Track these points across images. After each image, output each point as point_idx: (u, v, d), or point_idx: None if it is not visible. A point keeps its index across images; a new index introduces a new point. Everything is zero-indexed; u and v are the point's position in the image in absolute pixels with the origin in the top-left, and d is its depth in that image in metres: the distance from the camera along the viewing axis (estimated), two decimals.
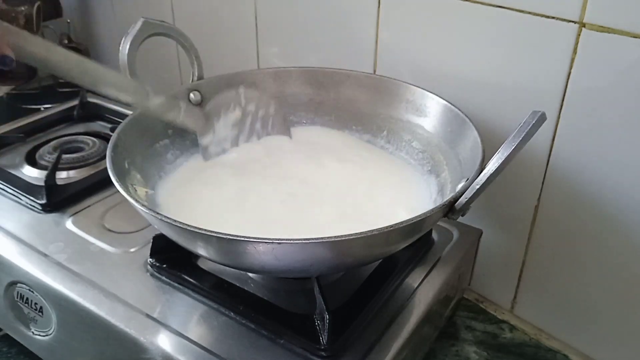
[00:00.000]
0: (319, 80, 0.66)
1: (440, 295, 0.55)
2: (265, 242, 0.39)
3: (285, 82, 0.67)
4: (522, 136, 0.41)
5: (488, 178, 0.42)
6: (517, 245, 0.62)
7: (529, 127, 0.41)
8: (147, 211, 0.43)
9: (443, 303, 0.58)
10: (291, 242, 0.39)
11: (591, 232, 0.56)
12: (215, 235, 0.40)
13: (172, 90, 0.61)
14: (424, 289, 0.54)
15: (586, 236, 0.56)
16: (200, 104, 0.63)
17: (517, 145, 0.41)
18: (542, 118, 0.42)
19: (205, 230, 0.40)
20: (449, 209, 0.45)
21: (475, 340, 0.63)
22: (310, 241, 0.39)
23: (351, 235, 0.39)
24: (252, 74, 0.67)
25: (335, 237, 0.39)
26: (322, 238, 0.39)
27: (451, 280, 0.58)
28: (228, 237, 0.40)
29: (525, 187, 0.59)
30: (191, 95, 0.62)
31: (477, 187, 0.43)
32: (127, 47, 0.57)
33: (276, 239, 0.39)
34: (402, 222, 0.41)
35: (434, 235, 0.61)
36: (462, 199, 0.44)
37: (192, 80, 0.64)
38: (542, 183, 0.58)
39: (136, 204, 0.44)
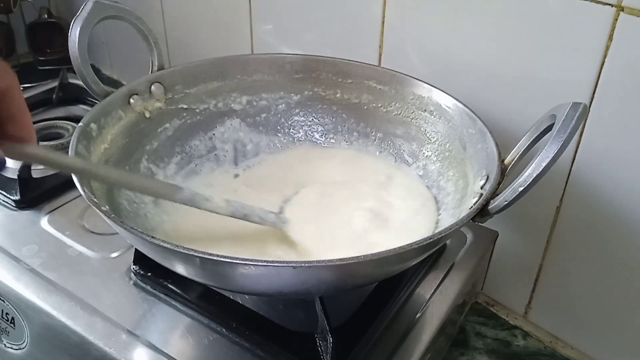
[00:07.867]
0: (320, 77, 0.60)
1: (455, 304, 0.51)
2: (260, 265, 0.34)
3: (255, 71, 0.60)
4: (568, 131, 0.37)
5: (534, 179, 0.38)
6: (535, 247, 0.58)
7: (574, 121, 0.37)
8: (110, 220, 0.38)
9: (458, 311, 0.54)
10: (289, 265, 0.34)
11: (616, 236, 0.52)
12: (200, 256, 0.35)
13: (130, 83, 0.54)
14: (437, 300, 0.50)
15: (610, 240, 0.52)
16: (164, 97, 0.56)
17: (564, 141, 0.37)
18: (584, 111, 0.38)
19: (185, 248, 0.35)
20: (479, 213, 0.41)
21: (487, 349, 0.58)
22: (313, 264, 0.34)
23: (354, 258, 0.34)
24: (220, 63, 0.59)
25: (338, 260, 0.34)
26: (323, 261, 0.34)
27: (466, 288, 0.53)
28: (215, 258, 0.34)
29: (547, 186, 0.54)
30: (152, 87, 0.55)
31: (521, 189, 0.39)
32: (77, 32, 0.50)
33: (275, 261, 0.34)
34: (429, 237, 0.37)
35: None
36: (502, 202, 0.40)
37: (151, 71, 0.57)
38: (566, 182, 0.53)
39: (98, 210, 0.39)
